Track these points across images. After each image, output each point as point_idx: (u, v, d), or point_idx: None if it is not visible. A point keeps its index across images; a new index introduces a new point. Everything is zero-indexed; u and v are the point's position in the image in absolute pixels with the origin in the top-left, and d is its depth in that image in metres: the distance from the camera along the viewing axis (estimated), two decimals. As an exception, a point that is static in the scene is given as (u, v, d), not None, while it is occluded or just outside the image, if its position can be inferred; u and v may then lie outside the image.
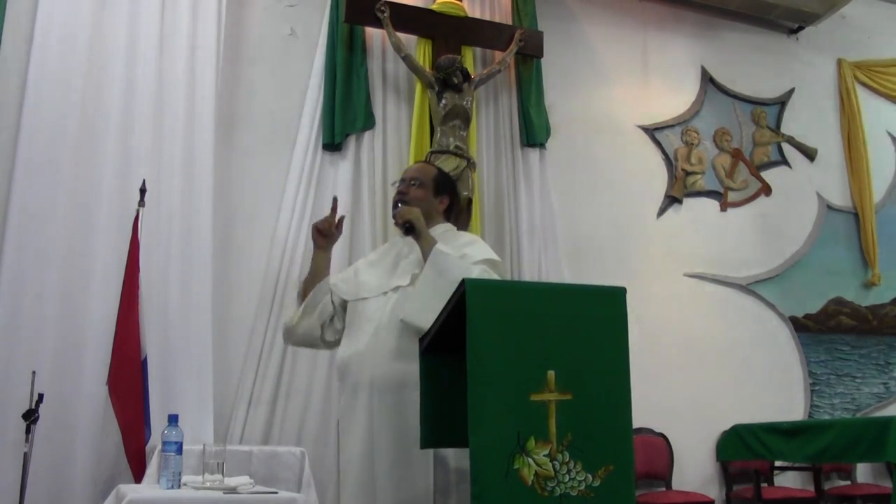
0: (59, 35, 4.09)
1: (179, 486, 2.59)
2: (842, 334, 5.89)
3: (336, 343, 2.59)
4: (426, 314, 2.19)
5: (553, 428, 1.77)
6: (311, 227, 2.66)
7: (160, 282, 4.02)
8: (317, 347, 2.71)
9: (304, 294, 2.65)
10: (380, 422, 2.32)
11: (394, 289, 2.44)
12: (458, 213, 4.25)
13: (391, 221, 2.79)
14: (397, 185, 2.64)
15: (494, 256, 2.49)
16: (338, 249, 4.36)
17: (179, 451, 2.61)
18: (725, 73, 6.02)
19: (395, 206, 2.55)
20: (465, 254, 2.42)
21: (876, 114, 6.38)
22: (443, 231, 2.58)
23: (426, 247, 2.37)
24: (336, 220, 2.63)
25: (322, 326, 2.59)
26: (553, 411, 1.79)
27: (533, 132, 5.04)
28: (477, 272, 2.29)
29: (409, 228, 2.42)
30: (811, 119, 6.23)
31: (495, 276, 2.36)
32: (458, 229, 2.69)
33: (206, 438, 3.81)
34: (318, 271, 2.64)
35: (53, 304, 3.81)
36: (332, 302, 2.60)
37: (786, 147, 6.12)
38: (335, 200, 2.66)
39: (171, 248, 4.09)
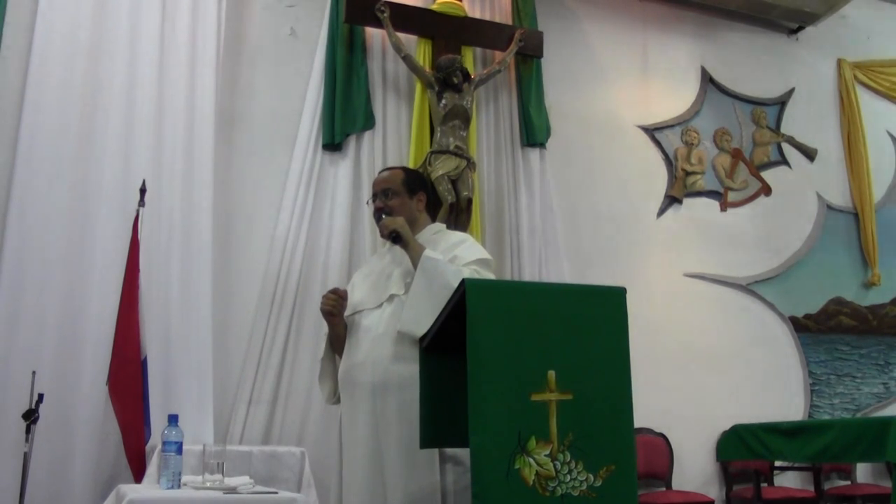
0: (59, 35, 4.08)
1: (179, 486, 2.59)
2: (842, 334, 5.88)
3: None
4: (422, 322, 2.21)
5: (554, 428, 1.77)
6: (322, 312, 2.59)
7: (160, 282, 4.01)
8: None
9: (328, 357, 2.67)
10: (384, 423, 2.33)
11: (388, 298, 2.45)
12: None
13: None
14: (372, 201, 2.65)
15: (485, 255, 2.51)
16: (338, 251, 4.40)
17: (179, 451, 2.61)
18: (725, 73, 6.01)
19: (378, 220, 2.56)
20: (456, 255, 2.44)
21: (876, 114, 6.38)
22: (433, 233, 2.60)
23: (414, 255, 2.39)
24: (340, 294, 2.57)
25: None
26: (554, 411, 1.78)
27: (533, 132, 5.03)
28: (467, 274, 2.30)
29: (395, 238, 2.43)
30: (811, 119, 6.23)
31: (487, 276, 2.37)
32: (458, 229, 2.70)
33: (206, 438, 3.81)
34: (336, 338, 2.61)
35: (53, 304, 3.80)
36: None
37: (786, 147, 6.11)
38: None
39: (171, 248, 4.09)
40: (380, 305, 2.46)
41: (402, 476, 2.26)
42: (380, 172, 2.81)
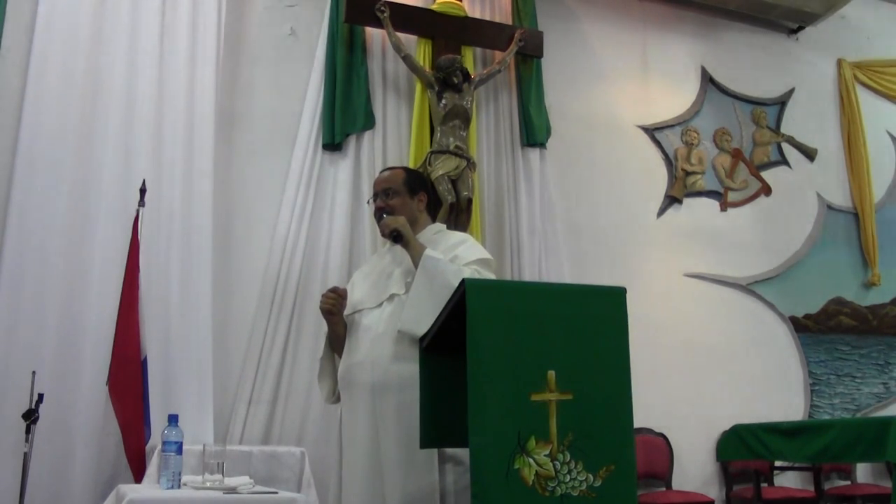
0: (59, 35, 4.08)
1: (179, 486, 2.59)
2: (842, 334, 5.88)
3: None
4: (422, 322, 2.21)
5: (554, 428, 1.77)
6: (321, 311, 2.58)
7: (160, 282, 4.01)
8: None
9: (328, 356, 2.66)
10: (384, 422, 2.33)
11: (388, 298, 2.45)
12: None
13: None
14: (372, 201, 2.65)
15: (486, 255, 2.51)
16: (338, 251, 4.40)
17: (179, 451, 2.61)
18: (725, 73, 6.01)
19: (378, 219, 2.56)
20: (456, 255, 2.44)
21: (876, 114, 6.38)
22: (434, 233, 2.60)
23: (415, 254, 2.39)
24: (339, 293, 2.56)
25: None
26: (554, 411, 1.78)
27: (533, 132, 5.03)
28: (468, 274, 2.30)
29: (396, 237, 2.43)
30: (811, 119, 6.23)
31: (487, 276, 2.37)
32: (458, 229, 2.70)
33: (206, 438, 3.81)
34: (336, 337, 2.61)
35: (53, 304, 3.80)
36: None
37: (786, 147, 6.12)
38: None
39: (171, 248, 4.09)
40: (380, 305, 2.46)
41: (400, 476, 2.26)
42: (381, 172, 2.80)
